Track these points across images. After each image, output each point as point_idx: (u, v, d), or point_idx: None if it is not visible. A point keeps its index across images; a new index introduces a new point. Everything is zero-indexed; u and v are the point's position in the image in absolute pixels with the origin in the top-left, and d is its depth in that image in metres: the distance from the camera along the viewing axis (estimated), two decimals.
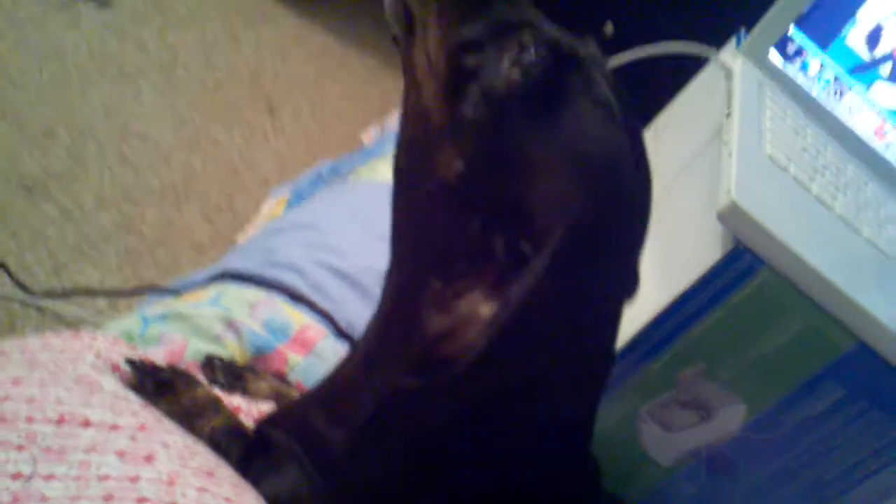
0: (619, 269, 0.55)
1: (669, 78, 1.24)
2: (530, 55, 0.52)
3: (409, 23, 0.56)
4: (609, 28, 0.60)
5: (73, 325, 1.16)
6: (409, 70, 0.56)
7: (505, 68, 0.52)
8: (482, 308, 0.51)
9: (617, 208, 0.53)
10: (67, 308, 1.18)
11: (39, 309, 1.16)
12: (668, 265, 0.85)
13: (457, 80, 0.53)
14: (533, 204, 0.51)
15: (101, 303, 1.23)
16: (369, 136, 1.81)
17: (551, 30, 0.54)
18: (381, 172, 1.30)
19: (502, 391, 0.52)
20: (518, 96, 0.51)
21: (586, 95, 0.53)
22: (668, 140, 1.15)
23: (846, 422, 0.85)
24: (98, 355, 0.70)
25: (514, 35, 0.52)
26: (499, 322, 0.49)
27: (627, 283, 0.57)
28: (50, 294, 1.17)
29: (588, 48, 0.56)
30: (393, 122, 1.77)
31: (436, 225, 0.55)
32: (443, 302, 0.53)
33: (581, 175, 0.51)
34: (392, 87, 2.14)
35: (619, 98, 0.55)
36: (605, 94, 0.54)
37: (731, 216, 0.76)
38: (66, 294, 1.18)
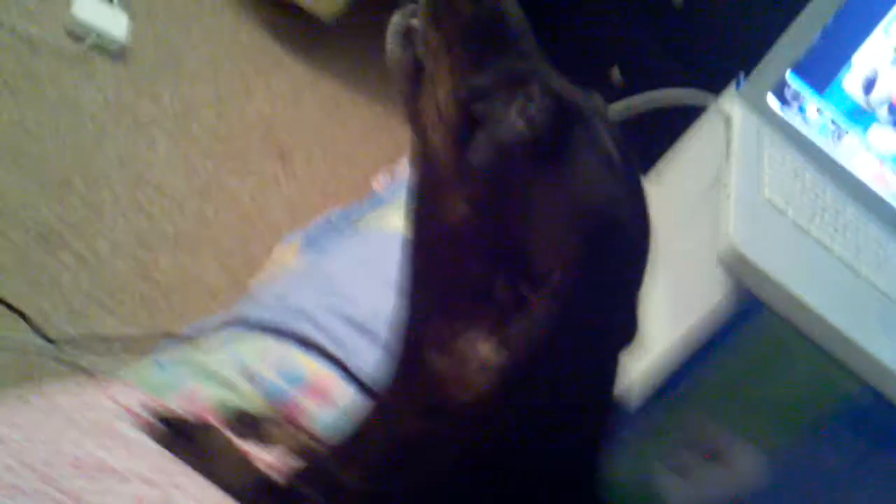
0: (617, 313, 0.57)
1: (672, 122, 1.26)
2: (536, 107, 0.54)
3: (418, 73, 0.58)
4: (616, 75, 0.62)
5: (90, 371, 1.17)
6: (415, 119, 0.58)
7: (512, 118, 0.54)
8: (482, 348, 0.52)
9: (614, 255, 0.55)
10: (84, 355, 1.19)
11: (57, 357, 1.18)
12: (671, 309, 0.86)
13: (465, 127, 0.55)
14: (534, 248, 0.53)
15: (117, 349, 1.25)
16: (379, 182, 1.83)
17: (558, 82, 0.56)
18: (390, 220, 1.31)
19: (504, 433, 0.53)
20: (523, 145, 0.53)
21: (589, 146, 0.55)
22: (670, 185, 1.17)
23: (856, 464, 0.85)
24: (114, 402, 0.71)
25: (522, 86, 0.55)
26: (499, 362, 0.51)
27: (627, 328, 0.58)
28: (67, 342, 1.19)
29: (592, 101, 0.58)
30: (403, 168, 1.79)
31: (440, 267, 0.57)
32: (444, 343, 0.54)
33: (581, 222, 0.53)
34: (402, 132, 2.13)
35: (621, 149, 0.57)
36: (607, 145, 0.56)
37: (730, 259, 0.78)
38: (82, 342, 1.19)
